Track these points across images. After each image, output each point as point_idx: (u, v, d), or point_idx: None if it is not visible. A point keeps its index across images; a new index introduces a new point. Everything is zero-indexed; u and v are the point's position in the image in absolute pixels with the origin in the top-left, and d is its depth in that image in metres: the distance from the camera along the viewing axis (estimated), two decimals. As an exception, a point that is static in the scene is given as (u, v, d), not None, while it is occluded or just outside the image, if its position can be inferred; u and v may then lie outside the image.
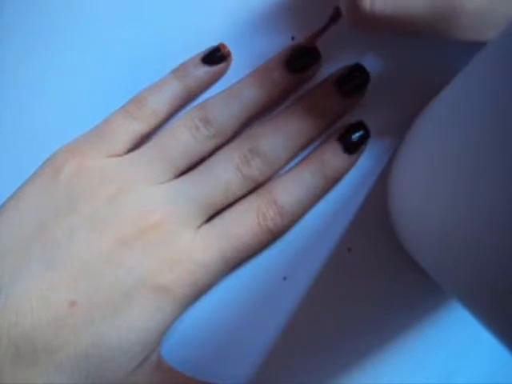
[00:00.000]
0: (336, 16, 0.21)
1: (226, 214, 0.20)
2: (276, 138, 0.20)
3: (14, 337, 0.17)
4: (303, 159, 0.21)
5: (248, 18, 0.23)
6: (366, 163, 0.21)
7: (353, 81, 0.21)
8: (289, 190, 0.20)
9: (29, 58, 0.23)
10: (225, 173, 0.20)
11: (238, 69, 0.22)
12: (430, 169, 0.15)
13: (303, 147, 0.21)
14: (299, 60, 0.21)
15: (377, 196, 0.21)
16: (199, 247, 0.19)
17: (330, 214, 0.21)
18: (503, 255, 0.11)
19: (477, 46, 0.16)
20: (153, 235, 0.19)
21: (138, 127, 0.20)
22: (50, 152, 0.21)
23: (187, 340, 0.21)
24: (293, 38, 0.22)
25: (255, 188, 0.20)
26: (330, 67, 0.22)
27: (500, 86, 0.11)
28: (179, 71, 0.21)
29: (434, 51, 0.21)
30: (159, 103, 0.21)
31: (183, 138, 0.20)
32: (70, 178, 0.19)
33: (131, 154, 0.20)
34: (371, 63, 0.21)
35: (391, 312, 0.21)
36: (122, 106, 0.21)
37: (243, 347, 0.21)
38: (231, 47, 0.22)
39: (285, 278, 0.21)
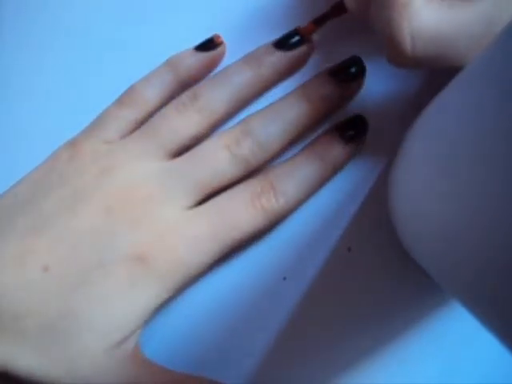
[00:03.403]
0: (339, 10, 0.21)
1: (220, 196, 0.20)
2: (269, 121, 0.20)
3: None
4: (302, 149, 0.21)
5: (248, 18, 0.23)
6: (366, 163, 0.21)
7: (349, 70, 0.21)
8: (285, 175, 0.20)
9: (27, 57, 0.23)
10: (215, 152, 0.20)
11: (238, 69, 0.22)
12: (433, 168, 0.15)
13: (297, 134, 0.21)
14: (288, 39, 0.21)
15: (377, 196, 0.21)
16: (188, 223, 0.19)
17: (330, 213, 0.21)
18: (508, 256, 0.11)
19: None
20: (138, 209, 0.19)
21: (129, 114, 0.21)
22: (48, 152, 0.21)
23: (186, 340, 0.21)
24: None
25: (249, 175, 0.20)
26: (328, 63, 0.21)
27: (505, 83, 0.11)
28: (171, 60, 0.22)
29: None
30: (149, 90, 0.21)
31: (170, 115, 0.20)
32: (65, 162, 0.20)
33: (123, 139, 0.21)
34: (371, 60, 0.21)
35: (391, 312, 0.21)
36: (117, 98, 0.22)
37: (243, 347, 0.21)
38: (231, 47, 0.22)
39: (285, 278, 0.21)
